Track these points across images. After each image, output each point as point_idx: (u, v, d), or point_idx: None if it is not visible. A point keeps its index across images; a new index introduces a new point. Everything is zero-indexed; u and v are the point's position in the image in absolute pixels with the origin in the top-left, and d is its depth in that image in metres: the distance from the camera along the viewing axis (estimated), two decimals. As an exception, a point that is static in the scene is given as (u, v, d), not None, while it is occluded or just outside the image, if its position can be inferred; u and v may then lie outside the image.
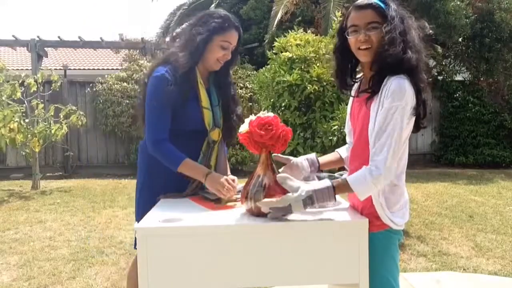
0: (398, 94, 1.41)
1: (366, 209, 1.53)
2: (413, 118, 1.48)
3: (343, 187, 1.43)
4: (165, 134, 1.86)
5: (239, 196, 1.71)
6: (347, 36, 1.55)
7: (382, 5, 1.50)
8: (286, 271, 1.42)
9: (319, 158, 1.82)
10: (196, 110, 1.91)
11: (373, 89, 1.49)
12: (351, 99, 1.73)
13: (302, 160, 1.75)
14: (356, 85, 1.69)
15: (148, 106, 1.88)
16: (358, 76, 1.70)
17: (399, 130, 1.42)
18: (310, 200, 1.39)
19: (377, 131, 1.43)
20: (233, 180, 1.80)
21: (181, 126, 1.90)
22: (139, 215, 1.59)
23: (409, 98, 1.43)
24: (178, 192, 1.93)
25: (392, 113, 1.41)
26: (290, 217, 1.49)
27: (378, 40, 1.48)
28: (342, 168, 1.92)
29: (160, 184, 1.94)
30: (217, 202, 1.75)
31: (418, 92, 1.46)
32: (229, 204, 1.73)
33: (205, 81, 1.99)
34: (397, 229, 1.53)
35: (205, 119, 1.93)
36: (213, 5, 12.21)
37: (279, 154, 1.67)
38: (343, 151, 1.88)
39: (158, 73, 1.86)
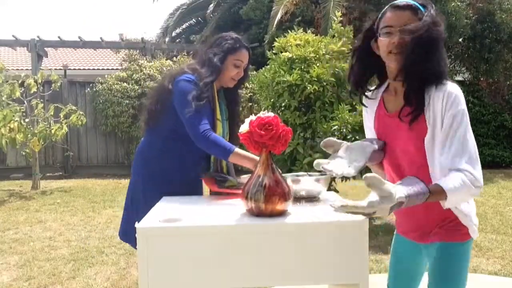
0: (459, 99, 1.35)
1: (447, 220, 1.44)
2: None
3: (437, 195, 1.29)
4: (209, 125, 1.94)
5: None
6: (378, 37, 1.44)
7: (421, 8, 1.39)
8: (286, 271, 1.42)
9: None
10: (210, 121, 2.01)
11: (417, 110, 1.38)
12: (369, 110, 1.59)
13: (366, 141, 1.56)
14: (373, 94, 1.58)
15: (186, 102, 1.93)
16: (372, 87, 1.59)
17: (470, 133, 1.35)
18: (398, 206, 1.24)
19: (449, 137, 1.34)
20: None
21: None
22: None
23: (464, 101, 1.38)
24: (183, 189, 2.00)
25: (460, 118, 1.34)
26: (290, 217, 1.48)
27: (412, 45, 1.34)
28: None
29: (164, 184, 2.01)
30: (225, 187, 1.92)
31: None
32: (234, 188, 1.87)
33: (217, 96, 2.12)
34: (475, 237, 1.46)
35: (217, 131, 2.03)
36: (212, 5, 12.22)
37: (330, 138, 1.58)
38: None
39: (189, 77, 1.98)
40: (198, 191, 2.13)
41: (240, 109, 2.32)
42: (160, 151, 2.05)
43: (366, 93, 1.57)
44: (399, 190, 1.24)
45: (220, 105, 2.12)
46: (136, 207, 2.08)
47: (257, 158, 1.86)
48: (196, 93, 1.93)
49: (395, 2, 1.42)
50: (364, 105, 1.59)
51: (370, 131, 1.63)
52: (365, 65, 1.52)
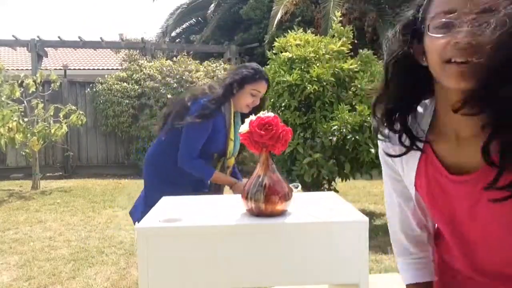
0: None
1: None
2: None
3: None
4: (198, 152, 2.17)
5: None
6: (426, 34, 0.78)
7: None
8: (286, 271, 1.42)
9: None
10: (223, 139, 2.22)
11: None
12: (398, 161, 0.97)
13: None
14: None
15: (192, 127, 2.13)
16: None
17: None
18: None
19: None
20: None
21: (206, 148, 2.19)
22: None
23: None
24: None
25: None
26: (290, 217, 1.48)
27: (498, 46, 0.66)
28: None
29: (174, 189, 2.13)
30: None
31: None
32: None
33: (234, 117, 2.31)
34: None
35: (228, 148, 2.25)
36: (212, 5, 12.22)
37: None
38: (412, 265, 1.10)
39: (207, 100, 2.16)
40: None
41: None
42: (169, 156, 2.20)
43: (401, 133, 0.91)
44: None
45: (236, 126, 2.28)
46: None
47: (232, 179, 2.21)
48: (206, 113, 2.11)
49: None
50: (392, 155, 0.94)
51: (400, 190, 1.02)
52: (407, 84, 0.86)
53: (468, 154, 0.83)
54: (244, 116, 2.32)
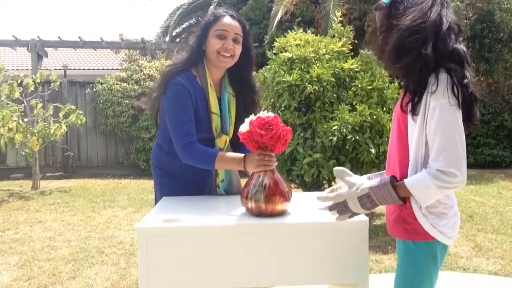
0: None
1: (401, 212, 1.35)
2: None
3: (404, 189, 1.27)
4: (192, 137, 1.79)
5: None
6: None
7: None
8: (286, 271, 1.42)
9: None
10: (205, 115, 1.87)
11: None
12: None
13: None
14: None
15: (171, 112, 1.83)
16: None
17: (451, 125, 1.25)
18: (367, 198, 1.29)
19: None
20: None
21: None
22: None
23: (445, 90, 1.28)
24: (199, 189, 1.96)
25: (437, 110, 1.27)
26: (290, 217, 1.48)
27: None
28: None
29: (178, 184, 1.94)
30: None
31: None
32: None
33: (217, 87, 1.93)
34: (444, 242, 1.32)
35: (213, 124, 1.88)
36: (212, 6, 12.21)
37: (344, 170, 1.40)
38: None
39: (178, 81, 1.84)
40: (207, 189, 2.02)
41: (257, 101, 2.06)
42: (168, 153, 1.96)
43: None
44: (365, 183, 1.30)
45: (222, 97, 1.93)
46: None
47: (239, 155, 1.72)
48: (184, 99, 1.80)
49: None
50: None
51: None
52: None
53: None
54: (235, 78, 1.96)
